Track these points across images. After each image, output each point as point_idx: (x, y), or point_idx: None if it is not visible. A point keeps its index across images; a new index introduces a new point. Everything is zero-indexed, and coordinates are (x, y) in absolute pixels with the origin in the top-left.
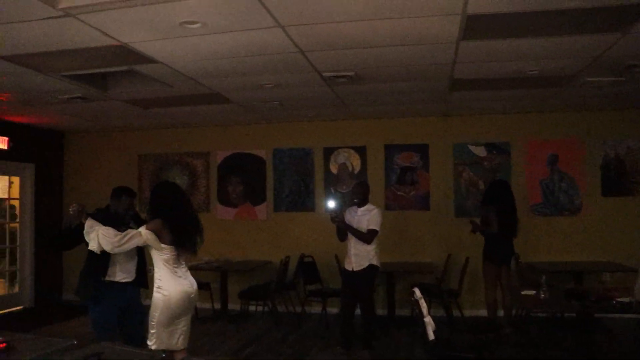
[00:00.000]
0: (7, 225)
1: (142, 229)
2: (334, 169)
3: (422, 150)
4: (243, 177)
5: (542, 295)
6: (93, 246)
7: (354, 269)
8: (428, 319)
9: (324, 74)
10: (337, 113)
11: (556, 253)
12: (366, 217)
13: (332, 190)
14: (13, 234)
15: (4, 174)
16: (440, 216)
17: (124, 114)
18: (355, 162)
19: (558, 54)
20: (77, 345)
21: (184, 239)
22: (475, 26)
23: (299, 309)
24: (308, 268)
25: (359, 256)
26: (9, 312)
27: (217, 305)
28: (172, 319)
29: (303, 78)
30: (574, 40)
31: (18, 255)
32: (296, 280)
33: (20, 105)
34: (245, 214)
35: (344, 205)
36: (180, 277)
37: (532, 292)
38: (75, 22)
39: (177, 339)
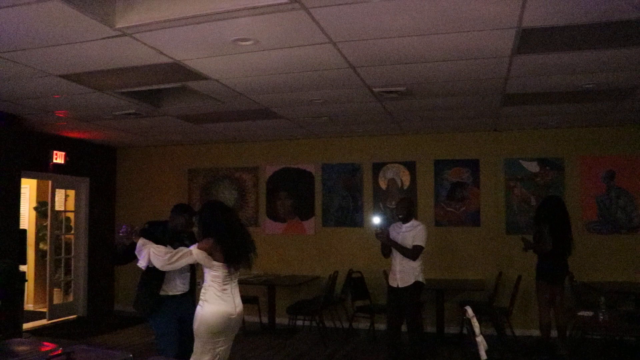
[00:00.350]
0: (62, 237)
1: (194, 248)
2: (383, 185)
3: (473, 165)
4: (292, 192)
5: (601, 317)
6: (142, 264)
7: (399, 286)
8: (480, 339)
9: (374, 90)
10: (386, 128)
11: (613, 273)
12: (411, 233)
13: (381, 206)
14: (68, 245)
15: (60, 187)
16: (491, 233)
17: (175, 129)
18: (405, 178)
19: (615, 67)
20: (132, 359)
21: (236, 256)
22: (530, 40)
23: (346, 325)
24: (356, 284)
25: (404, 272)
26: (64, 321)
27: (265, 319)
28: (210, 336)
29: (353, 93)
30: (632, 53)
31: (72, 265)
32: (344, 296)
33: (77, 122)
34: (294, 229)
35: (388, 221)
36: (226, 295)
37: (590, 314)
38: (131, 41)
39: (214, 358)
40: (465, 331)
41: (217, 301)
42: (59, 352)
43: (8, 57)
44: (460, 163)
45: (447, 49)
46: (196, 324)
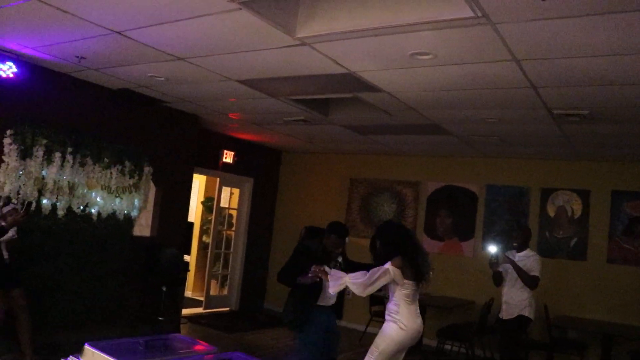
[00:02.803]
0: (224, 232)
1: (390, 266)
2: (551, 212)
3: None
4: (452, 211)
5: None
6: (333, 290)
7: (504, 317)
8: None
9: (554, 112)
10: (559, 152)
11: None
12: (524, 262)
13: (547, 235)
14: (228, 240)
15: (227, 185)
16: None
17: (340, 138)
18: (576, 207)
19: None
20: None
21: (423, 272)
22: None
23: (497, 356)
24: None
25: (510, 304)
26: (217, 312)
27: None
28: (397, 352)
29: (530, 114)
30: None
31: (230, 260)
32: (497, 325)
33: (248, 124)
34: (451, 249)
35: (502, 249)
36: (417, 313)
37: None
38: (309, 50)
39: None
40: None
41: (413, 318)
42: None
43: (194, 62)
44: None
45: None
46: (387, 341)
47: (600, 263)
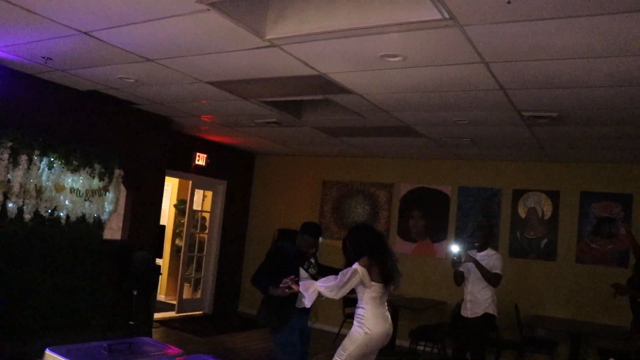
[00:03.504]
0: (197, 235)
1: (357, 267)
2: (522, 213)
3: (625, 200)
4: (425, 213)
5: None
6: (307, 304)
7: (469, 316)
8: None
9: (523, 114)
10: (530, 154)
11: None
12: (486, 261)
13: (518, 235)
14: (202, 243)
15: (199, 187)
16: None
17: (313, 140)
18: (547, 208)
19: None
20: None
21: (391, 276)
22: None
23: (469, 357)
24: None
25: (474, 302)
26: (190, 316)
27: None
28: (365, 355)
29: (500, 116)
30: None
31: (203, 263)
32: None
33: (220, 127)
34: (424, 250)
35: (464, 249)
36: (385, 316)
37: None
38: (279, 52)
39: None
40: None
41: (379, 322)
42: (182, 358)
43: (163, 64)
44: (610, 197)
45: (610, 74)
46: (353, 345)
47: (570, 263)
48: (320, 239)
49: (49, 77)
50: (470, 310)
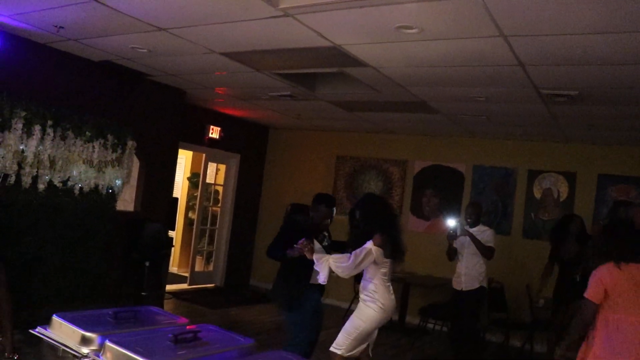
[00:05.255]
0: (210, 209)
1: (372, 246)
2: (537, 194)
3: None
4: (439, 190)
5: None
6: (322, 280)
7: (463, 289)
8: None
9: (542, 91)
10: (547, 133)
11: None
12: (480, 236)
13: (532, 216)
14: (214, 216)
15: (213, 161)
16: None
17: (327, 115)
18: (563, 189)
19: None
20: (254, 345)
21: (400, 251)
22: None
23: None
24: (495, 294)
25: (469, 276)
26: (202, 288)
27: (395, 317)
28: (371, 330)
29: (518, 94)
30: None
31: (216, 237)
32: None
33: (234, 99)
34: (437, 228)
35: (461, 223)
36: (391, 290)
37: None
38: (293, 22)
39: (366, 346)
40: None
41: (388, 295)
42: (187, 328)
43: (175, 33)
44: (628, 180)
45: (633, 51)
46: (367, 321)
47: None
48: (334, 209)
49: (62, 47)
50: (465, 283)
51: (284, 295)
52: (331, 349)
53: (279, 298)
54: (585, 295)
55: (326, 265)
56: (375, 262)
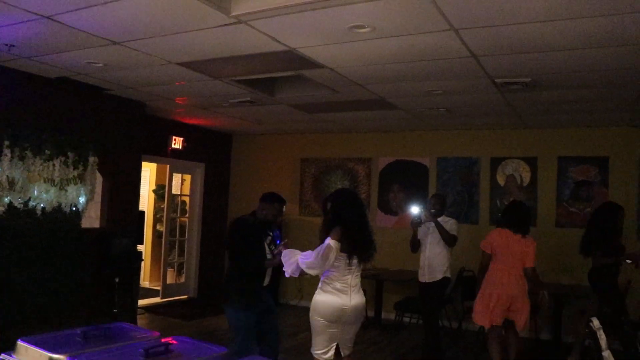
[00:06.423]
0: (178, 220)
1: (330, 242)
2: (501, 181)
3: (601, 163)
4: (405, 185)
5: None
6: (290, 273)
7: (427, 281)
8: (607, 354)
9: (496, 81)
10: (506, 121)
11: None
12: (444, 226)
13: (498, 203)
14: (183, 227)
15: (177, 171)
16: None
17: (289, 118)
18: (525, 174)
19: None
20: (227, 354)
21: (360, 249)
22: None
23: (455, 326)
24: (468, 283)
25: (432, 267)
26: (175, 300)
27: (371, 313)
28: (322, 324)
29: (474, 84)
30: None
31: (186, 247)
32: (454, 295)
33: (194, 109)
34: (405, 223)
35: (424, 210)
36: (343, 287)
37: None
38: (246, 28)
39: (328, 352)
40: (587, 343)
41: (332, 292)
42: (159, 341)
43: (130, 46)
44: (587, 160)
45: (582, 36)
46: (312, 311)
47: (550, 227)
48: (283, 207)
49: (15, 65)
50: (429, 275)
51: (238, 295)
52: (311, 351)
53: (234, 298)
54: (481, 247)
55: (295, 262)
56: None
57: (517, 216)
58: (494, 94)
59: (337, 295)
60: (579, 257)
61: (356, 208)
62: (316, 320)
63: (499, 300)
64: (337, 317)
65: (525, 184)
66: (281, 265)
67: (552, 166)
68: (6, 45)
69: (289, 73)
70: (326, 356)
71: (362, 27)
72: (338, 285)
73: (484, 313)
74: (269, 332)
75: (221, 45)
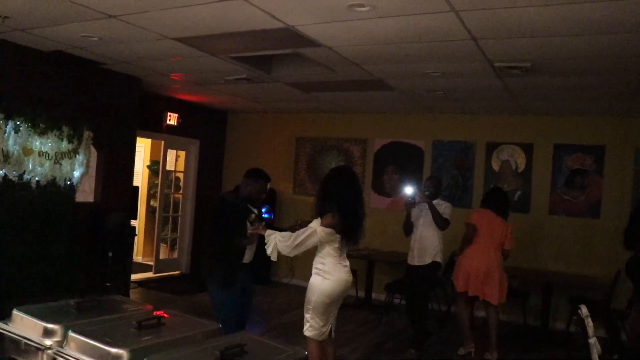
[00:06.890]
0: (172, 196)
1: (318, 227)
2: (495, 166)
3: (597, 152)
4: (399, 167)
5: None
6: (270, 254)
7: (415, 264)
8: (593, 341)
9: (495, 65)
10: (503, 107)
11: None
12: (437, 209)
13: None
14: (176, 203)
15: (172, 148)
16: (612, 227)
17: (285, 97)
18: (520, 160)
19: None
20: (221, 329)
21: (352, 231)
22: None
23: (445, 308)
24: None
25: (422, 250)
26: (168, 276)
27: (362, 294)
28: (327, 305)
29: (472, 68)
30: None
31: (179, 223)
32: (445, 278)
33: (190, 85)
34: (399, 205)
35: (418, 191)
36: (343, 265)
37: None
38: (244, 4)
39: (328, 328)
40: (573, 330)
41: (339, 270)
42: (151, 314)
43: (126, 20)
44: (583, 149)
45: (583, 22)
46: (314, 295)
47: (543, 215)
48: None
49: (10, 38)
50: (418, 258)
51: (218, 274)
52: (304, 333)
53: (213, 276)
54: (471, 220)
55: (273, 241)
56: (321, 242)
57: (501, 201)
58: (492, 78)
59: (344, 273)
60: (571, 246)
61: (351, 187)
62: (321, 302)
63: (477, 274)
64: (342, 294)
65: (520, 170)
66: (259, 245)
67: (547, 153)
68: (0, 17)
69: (286, 51)
70: (324, 336)
71: (362, 5)
72: (343, 263)
73: (464, 280)
74: (244, 312)
75: (218, 20)
